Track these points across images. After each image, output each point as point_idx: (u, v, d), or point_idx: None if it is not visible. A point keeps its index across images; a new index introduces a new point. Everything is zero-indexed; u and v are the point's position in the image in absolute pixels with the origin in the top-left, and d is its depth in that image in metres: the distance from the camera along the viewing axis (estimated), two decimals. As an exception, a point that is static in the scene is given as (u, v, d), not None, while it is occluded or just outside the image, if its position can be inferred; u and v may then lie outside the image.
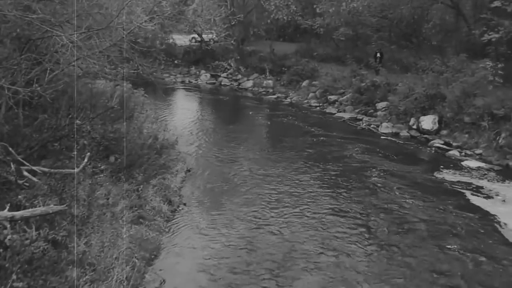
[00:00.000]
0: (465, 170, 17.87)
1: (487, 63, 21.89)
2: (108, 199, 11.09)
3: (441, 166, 18.23)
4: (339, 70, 31.37)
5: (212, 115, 27.81)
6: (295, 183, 16.19)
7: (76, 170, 11.73)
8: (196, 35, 41.54)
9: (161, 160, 14.93)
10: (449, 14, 29.39)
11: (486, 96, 20.77)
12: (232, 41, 38.47)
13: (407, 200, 14.84)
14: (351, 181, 16.46)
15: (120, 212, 11.03)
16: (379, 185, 16.09)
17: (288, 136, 22.17)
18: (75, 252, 8.48)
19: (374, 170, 17.59)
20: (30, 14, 9.02)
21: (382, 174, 17.19)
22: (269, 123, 25.36)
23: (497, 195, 15.46)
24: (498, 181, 16.69)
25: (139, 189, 12.73)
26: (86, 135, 13.97)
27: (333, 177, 16.79)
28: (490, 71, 21.58)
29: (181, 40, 42.32)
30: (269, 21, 36.86)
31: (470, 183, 16.47)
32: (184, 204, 13.99)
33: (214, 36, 40.53)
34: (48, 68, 11.06)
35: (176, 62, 41.08)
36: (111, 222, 10.42)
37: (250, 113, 27.85)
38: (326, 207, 14.24)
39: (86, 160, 12.09)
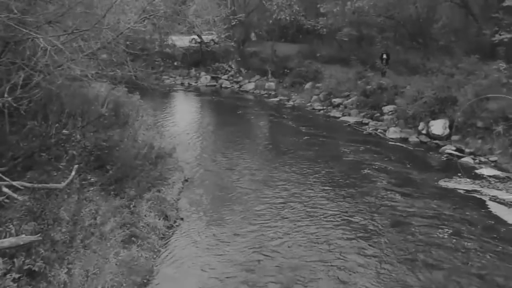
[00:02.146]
0: (480, 179, 16.80)
1: (501, 64, 20.81)
2: (96, 218, 10.04)
3: (455, 174, 17.18)
4: (343, 72, 30.35)
5: (212, 119, 26.81)
6: (299, 193, 15.17)
7: (62, 184, 10.75)
8: (196, 36, 40.56)
9: (156, 170, 13.87)
10: (458, 14, 28.29)
11: (500, 100, 19.68)
12: (232, 42, 37.46)
13: (421, 212, 13.81)
14: (360, 192, 15.40)
15: (109, 232, 10.00)
16: (390, 196, 15.03)
17: (291, 142, 21.16)
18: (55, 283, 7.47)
19: (383, 179, 16.54)
20: (6, 13, 8.01)
21: (392, 183, 16.14)
22: (271, 128, 24.33)
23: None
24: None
25: (132, 204, 11.69)
26: (75, 144, 12.96)
27: (340, 188, 15.72)
28: (504, 73, 20.50)
29: (181, 41, 41.34)
30: (271, 21, 35.79)
31: (487, 193, 15.42)
32: (181, 219, 12.96)
33: (215, 37, 39.54)
34: (33, 73, 10.11)
35: (175, 64, 40.10)
36: (99, 245, 9.39)
37: (252, 117, 26.85)
38: (334, 220, 13.20)
39: (73, 173, 11.10)
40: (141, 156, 13.70)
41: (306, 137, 22.00)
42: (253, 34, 39.71)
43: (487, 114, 19.67)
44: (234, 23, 34.26)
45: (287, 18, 33.05)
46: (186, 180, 15.76)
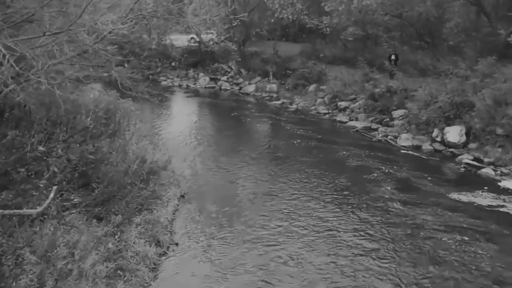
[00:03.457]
0: (504, 193, 15.36)
1: (521, 66, 19.39)
2: (74, 254, 8.58)
3: (474, 187, 15.77)
4: (349, 73, 28.84)
5: (211, 125, 25.28)
6: (305, 207, 13.86)
7: (36, 210, 9.33)
8: (194, 36, 39.01)
9: (148, 189, 12.39)
10: (470, 12, 26.82)
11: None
12: (232, 43, 35.98)
13: (439, 231, 12.45)
14: (370, 206, 14.03)
15: (90, 268, 8.55)
16: (403, 211, 13.69)
17: (295, 150, 19.73)
18: None
19: (397, 192, 15.17)
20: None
21: (406, 197, 14.75)
22: (274, 134, 22.81)
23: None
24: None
25: (118, 232, 10.24)
26: (58, 158, 11.54)
27: (348, 201, 14.37)
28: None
29: (179, 40, 39.81)
30: (272, 20, 34.31)
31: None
32: (176, 244, 11.50)
33: (214, 37, 38.03)
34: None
35: (173, 64, 38.57)
36: (76, 286, 7.94)
37: (253, 122, 25.40)
38: (343, 239, 11.89)
39: (51, 195, 9.67)
40: (131, 172, 12.25)
41: (311, 144, 20.58)
42: (253, 34, 38.16)
43: (508, 120, 18.21)
44: (235, 23, 32.64)
45: (290, 17, 31.56)
46: (183, 196, 14.29)
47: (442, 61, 27.23)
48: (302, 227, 12.61)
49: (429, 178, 16.61)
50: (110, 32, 7.88)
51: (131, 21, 9.15)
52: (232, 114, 26.84)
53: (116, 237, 9.98)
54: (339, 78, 28.44)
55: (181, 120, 24.84)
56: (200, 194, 14.77)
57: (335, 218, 13.26)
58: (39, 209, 9.27)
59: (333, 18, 29.79)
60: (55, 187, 9.89)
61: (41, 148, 10.32)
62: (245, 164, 17.81)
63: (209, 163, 17.87)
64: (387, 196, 14.83)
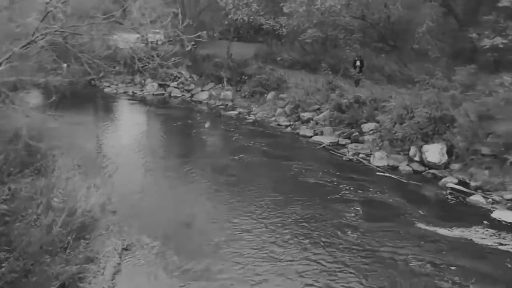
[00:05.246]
0: (499, 227, 13.35)
1: (506, 78, 17.48)
2: None
3: (464, 219, 13.76)
4: (310, 80, 26.53)
5: (158, 142, 22.13)
6: (262, 248, 11.75)
7: None
8: (141, 36, 35.61)
9: (76, 256, 9.52)
10: (440, 15, 25.02)
11: (507, 121, 16.38)
12: (183, 45, 32.92)
13: (422, 274, 10.66)
14: (337, 244, 12.13)
15: None
16: (378, 249, 11.75)
17: (254, 172, 17.48)
18: None
19: (371, 223, 13.35)
20: None
21: (382, 230, 12.92)
22: (230, 152, 19.85)
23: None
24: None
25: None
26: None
27: (310, 237, 12.42)
28: (510, 88, 17.20)
29: (125, 42, 36.24)
30: (226, 22, 31.61)
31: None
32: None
33: (162, 37, 34.84)
34: None
35: (117, 69, 35.11)
36: None
37: (207, 137, 22.76)
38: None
39: None
40: (55, 232, 9.37)
41: (272, 164, 18.29)
42: (205, 35, 35.20)
43: (495, 139, 16.31)
44: (185, 23, 29.60)
45: (245, 18, 28.92)
46: (126, 249, 11.45)
47: (409, 67, 25.41)
48: (259, 272, 10.61)
49: (410, 206, 14.64)
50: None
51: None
52: (183, 127, 24.06)
53: None
54: (300, 85, 26.09)
55: (123, 137, 21.82)
56: (149, 240, 11.98)
57: (293, 253, 11.52)
58: None
59: (292, 20, 27.40)
60: None
61: None
62: (197, 192, 15.38)
63: (157, 195, 15.13)
64: (361, 229, 12.96)
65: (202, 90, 30.94)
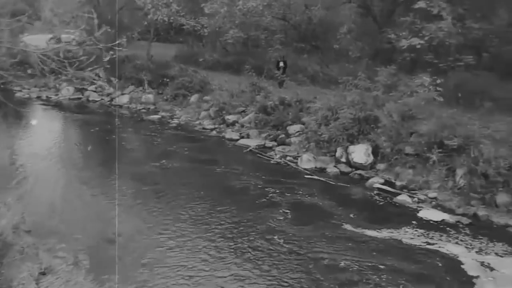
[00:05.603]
0: (426, 227, 13.53)
1: (425, 78, 17.89)
2: None
3: (392, 220, 13.89)
4: (234, 81, 26.10)
5: (75, 151, 20.68)
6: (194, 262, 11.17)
7: None
8: (54, 36, 33.63)
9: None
10: (359, 16, 25.45)
11: (430, 121, 16.74)
12: (101, 48, 31.43)
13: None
14: (262, 250, 11.51)
15: None
16: (313, 258, 11.37)
17: (176, 180, 16.67)
18: None
19: (298, 226, 13.21)
20: None
21: (308, 232, 12.77)
22: (154, 159, 18.83)
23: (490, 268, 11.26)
24: (479, 245, 12.46)
25: None
26: None
27: (235, 247, 11.85)
28: (430, 89, 17.63)
29: (38, 41, 33.98)
30: (145, 22, 30.51)
31: (446, 251, 12.13)
32: None
33: (76, 37, 32.99)
34: None
35: (29, 72, 32.85)
36: None
37: (127, 143, 21.66)
38: None
39: None
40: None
41: (198, 170, 17.66)
42: (125, 43, 33.81)
43: (417, 138, 16.63)
44: (102, 31, 28.09)
45: (165, 19, 28.01)
46: (43, 273, 10.40)
47: (331, 68, 25.65)
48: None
49: (338, 208, 14.61)
50: None
51: None
52: (102, 133, 22.82)
53: None
54: (224, 87, 25.60)
55: (37, 146, 20.23)
56: (68, 260, 11.06)
57: (219, 263, 11.17)
58: None
59: (214, 21, 26.87)
60: None
61: None
62: (119, 203, 14.26)
63: (76, 206, 14.19)
64: (289, 233, 12.77)
65: (122, 94, 29.65)
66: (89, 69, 10.19)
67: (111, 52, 15.03)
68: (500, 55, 21.74)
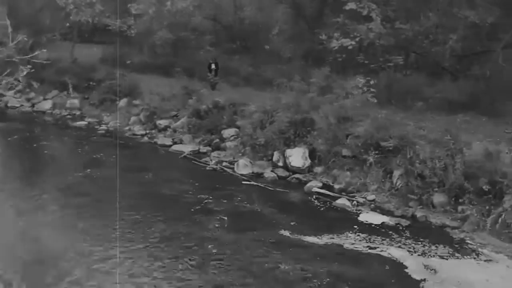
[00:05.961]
0: (367, 230, 13.42)
1: (359, 79, 17.89)
2: None
3: (332, 225, 13.63)
4: (165, 84, 25.16)
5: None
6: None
7: None
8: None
9: None
10: (291, 17, 25.27)
11: (365, 122, 16.74)
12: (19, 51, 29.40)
13: None
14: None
15: None
16: (250, 265, 10.98)
17: (109, 191, 15.03)
18: None
19: (236, 236, 12.52)
20: None
21: (251, 246, 12.18)
22: (82, 168, 17.70)
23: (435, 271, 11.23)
24: (422, 248, 12.44)
25: None
26: None
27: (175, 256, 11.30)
28: (364, 90, 17.65)
29: None
30: (68, 23, 28.87)
31: (388, 254, 12.03)
32: None
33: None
34: None
35: None
36: None
37: (50, 153, 20.18)
38: None
39: None
40: None
41: (129, 179, 16.44)
42: (44, 38, 31.86)
43: (354, 140, 16.58)
44: (18, 40, 26.21)
45: (89, 20, 26.59)
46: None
47: (264, 69, 25.28)
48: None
49: (276, 214, 14.37)
50: None
51: None
52: (23, 142, 21.20)
53: None
54: (154, 91, 24.60)
55: None
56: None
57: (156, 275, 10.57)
58: None
59: (145, 23, 25.80)
60: None
61: None
62: (46, 218, 13.50)
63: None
64: (225, 241, 12.39)
65: (45, 99, 27.83)
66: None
67: (29, 66, 13.90)
68: (428, 56, 22.25)
